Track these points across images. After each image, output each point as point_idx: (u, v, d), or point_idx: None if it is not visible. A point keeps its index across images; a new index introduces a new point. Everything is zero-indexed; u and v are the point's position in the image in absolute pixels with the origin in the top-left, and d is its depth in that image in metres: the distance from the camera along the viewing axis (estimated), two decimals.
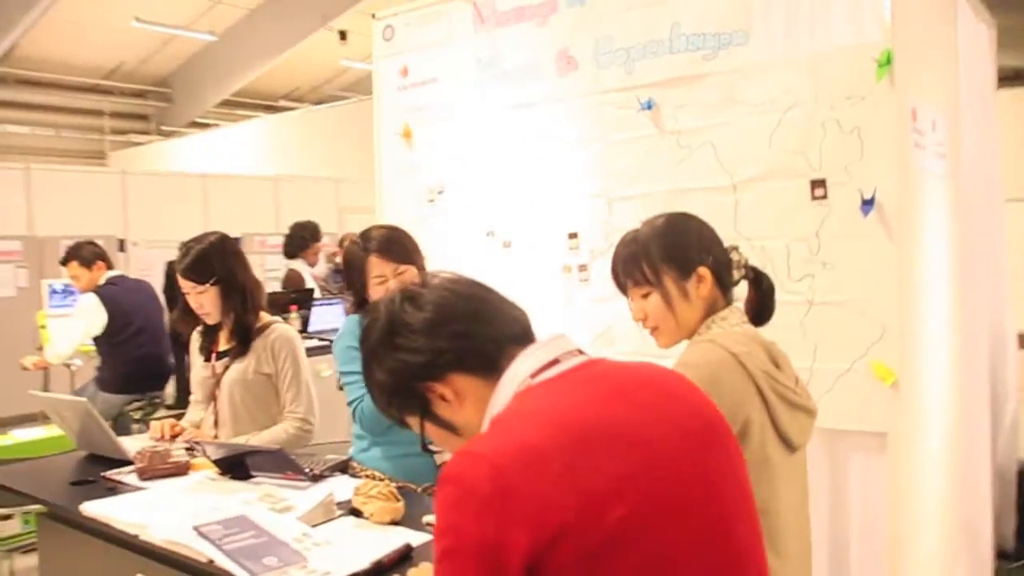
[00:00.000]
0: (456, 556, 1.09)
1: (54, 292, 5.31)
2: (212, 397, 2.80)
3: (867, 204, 2.64)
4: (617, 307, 3.17)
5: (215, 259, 2.74)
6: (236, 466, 2.21)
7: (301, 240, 6.17)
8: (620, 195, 3.17)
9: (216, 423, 2.77)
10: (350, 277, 2.63)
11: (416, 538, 1.75)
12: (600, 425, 1.15)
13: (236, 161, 11.95)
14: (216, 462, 2.22)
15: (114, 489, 2.20)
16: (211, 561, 1.65)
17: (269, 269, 9.13)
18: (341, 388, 2.77)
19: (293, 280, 6.17)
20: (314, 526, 1.82)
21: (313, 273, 6.20)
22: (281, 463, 2.14)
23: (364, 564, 1.60)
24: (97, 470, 2.36)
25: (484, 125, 3.54)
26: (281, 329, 2.81)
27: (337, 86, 14.06)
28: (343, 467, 2.33)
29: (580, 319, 3.28)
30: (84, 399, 2.54)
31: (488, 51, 3.50)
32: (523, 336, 1.30)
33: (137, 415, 4.69)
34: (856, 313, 2.69)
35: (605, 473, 1.10)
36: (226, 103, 13.27)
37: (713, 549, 1.15)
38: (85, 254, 4.70)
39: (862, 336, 2.68)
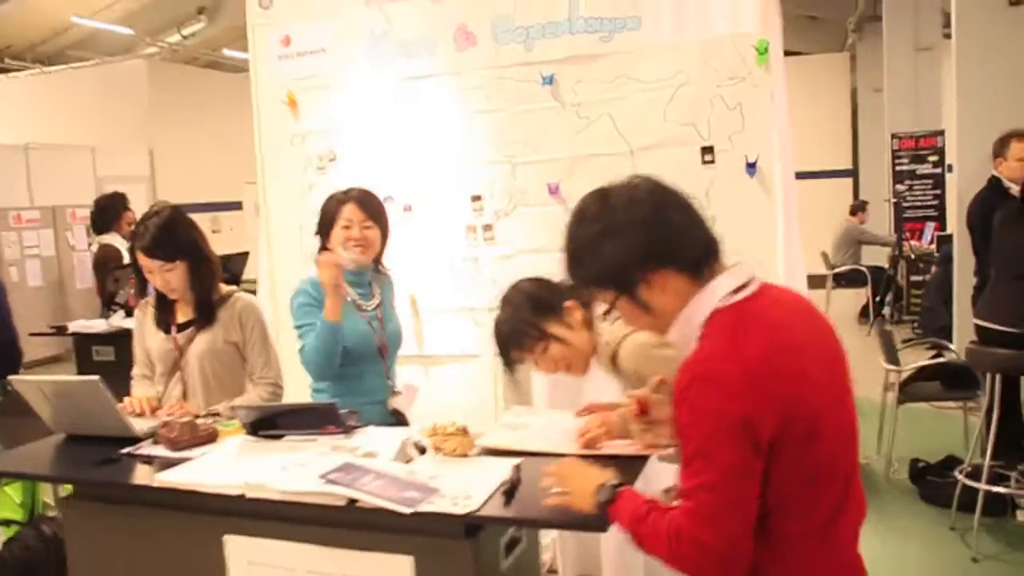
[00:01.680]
0: (721, 433, 1.38)
1: None
2: (175, 369, 2.75)
3: (750, 167, 3.21)
4: (519, 263, 3.55)
5: (179, 233, 2.69)
6: (264, 428, 2.27)
7: (115, 211, 5.72)
8: (524, 160, 3.49)
9: (184, 394, 2.74)
10: (321, 226, 2.75)
11: (508, 462, 1.99)
12: (799, 336, 1.50)
13: None
14: (247, 425, 2.27)
15: (150, 462, 2.18)
16: (353, 502, 1.78)
17: (27, 247, 8.29)
18: None
19: (112, 255, 5.67)
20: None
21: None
22: (320, 418, 2.24)
23: (496, 485, 1.83)
24: (95, 449, 2.30)
25: (378, 95, 3.68)
26: (246, 298, 2.82)
27: (58, 45, 12.70)
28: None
29: (485, 274, 3.58)
30: (97, 377, 2.42)
31: (380, 25, 3.64)
32: (719, 250, 1.59)
33: None
34: (740, 258, 3.25)
35: (811, 372, 1.46)
36: None
37: (852, 428, 1.55)
38: None
39: None
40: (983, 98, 5.62)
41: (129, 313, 4.83)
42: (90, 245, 6.30)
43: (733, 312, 1.50)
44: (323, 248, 2.75)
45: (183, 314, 2.79)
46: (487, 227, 3.56)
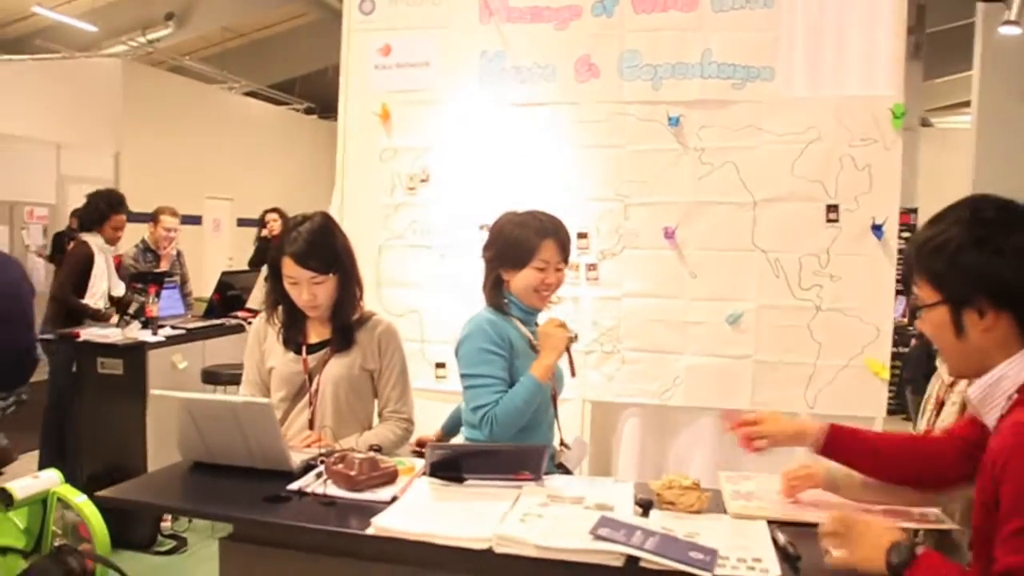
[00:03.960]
0: None
1: None
2: (302, 394, 2.47)
3: (877, 229, 3.17)
4: (623, 306, 3.42)
5: (335, 242, 2.44)
6: (446, 469, 2.05)
7: (101, 211, 5.19)
8: (637, 201, 3.37)
9: (311, 423, 2.46)
10: (512, 257, 2.42)
11: (750, 523, 1.84)
12: None
13: None
14: (432, 466, 2.04)
15: (331, 503, 1.92)
16: (634, 562, 1.59)
17: None
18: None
19: (83, 255, 5.12)
20: None
21: (120, 253, 5.36)
22: (517, 462, 2.03)
23: (770, 545, 1.68)
24: (240, 482, 2.03)
25: (484, 117, 3.52)
26: (386, 322, 2.57)
27: (13, 33, 11.90)
28: None
29: (585, 316, 3.42)
30: (268, 400, 2.12)
31: (495, 45, 3.49)
32: None
33: None
34: (855, 318, 3.21)
35: None
36: None
37: None
38: None
39: (859, 338, 3.21)
40: (1000, 181, 5.85)
41: (146, 324, 4.45)
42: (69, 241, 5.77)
43: None
44: (496, 277, 2.45)
45: (316, 333, 2.53)
46: (591, 266, 3.42)
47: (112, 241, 5.20)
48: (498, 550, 1.67)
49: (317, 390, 2.46)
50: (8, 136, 8.39)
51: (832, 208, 3.22)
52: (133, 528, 4.26)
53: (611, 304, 3.41)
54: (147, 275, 4.71)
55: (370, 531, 1.76)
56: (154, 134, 10.00)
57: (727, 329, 3.29)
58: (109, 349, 4.39)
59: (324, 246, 2.41)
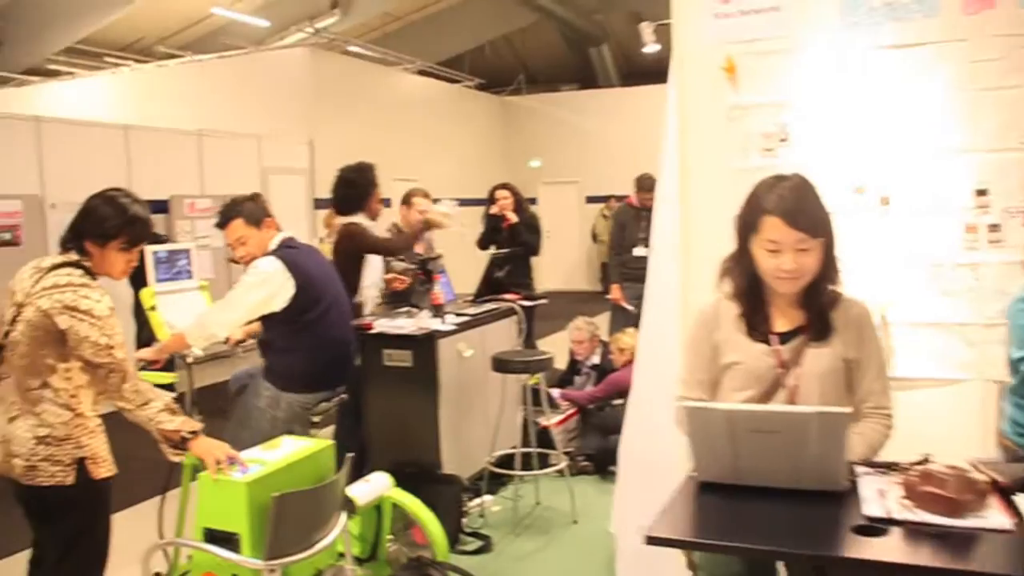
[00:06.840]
0: None
1: (159, 261, 3.96)
2: (774, 391, 2.14)
3: None
4: None
5: (822, 206, 2.13)
6: None
7: (365, 187, 4.90)
8: None
9: None
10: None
11: None
12: None
13: (114, 112, 10.00)
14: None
15: (947, 534, 1.56)
16: None
17: (200, 237, 7.71)
18: None
19: (358, 232, 4.74)
20: None
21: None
22: None
23: None
24: (781, 507, 1.72)
25: (849, 65, 3.10)
26: (860, 302, 2.22)
27: (188, 37, 12.19)
28: None
29: (988, 284, 2.98)
30: (848, 409, 1.82)
31: None
32: None
33: (317, 418, 3.64)
34: None
35: None
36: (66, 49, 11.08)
37: None
38: (253, 211, 3.59)
39: None
40: None
41: (437, 312, 4.24)
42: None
43: None
44: None
45: (782, 319, 2.19)
46: (993, 227, 2.96)
47: (375, 217, 4.90)
48: None
49: (797, 387, 2.12)
50: (214, 132, 8.47)
51: None
52: None
53: (1018, 270, 2.94)
54: (427, 261, 4.50)
55: None
56: (341, 120, 10.00)
57: None
58: (398, 340, 4.21)
59: (814, 205, 2.09)
